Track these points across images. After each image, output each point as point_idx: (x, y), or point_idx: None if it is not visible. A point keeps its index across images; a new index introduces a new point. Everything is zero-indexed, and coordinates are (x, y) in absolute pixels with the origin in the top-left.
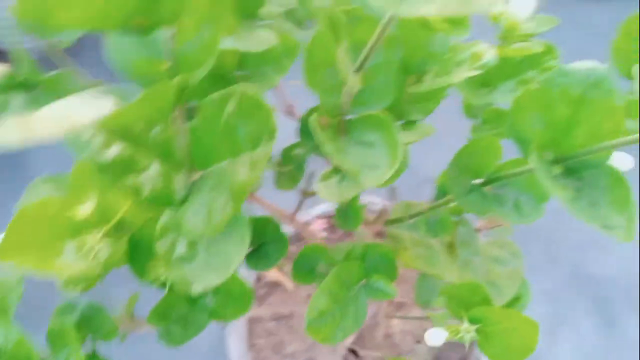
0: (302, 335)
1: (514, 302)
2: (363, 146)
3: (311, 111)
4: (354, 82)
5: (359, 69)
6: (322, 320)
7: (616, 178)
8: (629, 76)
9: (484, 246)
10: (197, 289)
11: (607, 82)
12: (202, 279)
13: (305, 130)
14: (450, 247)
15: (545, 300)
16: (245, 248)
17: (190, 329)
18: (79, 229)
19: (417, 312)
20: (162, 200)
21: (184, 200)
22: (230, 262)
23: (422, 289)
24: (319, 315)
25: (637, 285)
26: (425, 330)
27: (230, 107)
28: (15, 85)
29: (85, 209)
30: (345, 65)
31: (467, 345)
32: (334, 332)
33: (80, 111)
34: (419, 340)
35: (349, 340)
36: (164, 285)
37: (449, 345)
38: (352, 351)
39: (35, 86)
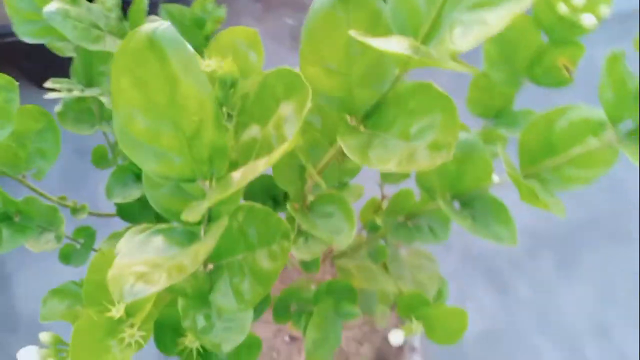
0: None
1: (439, 296)
2: (326, 217)
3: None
4: (318, 179)
5: (320, 171)
6: (315, 346)
7: (498, 204)
8: (480, 116)
9: (406, 258)
10: (226, 348)
11: (479, 145)
12: (229, 341)
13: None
14: (384, 266)
15: (449, 281)
16: (251, 312)
17: None
18: (116, 327)
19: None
20: (202, 294)
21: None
22: (244, 324)
23: (363, 300)
24: (313, 344)
25: (519, 252)
26: (364, 334)
27: (240, 217)
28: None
29: (118, 310)
30: (311, 171)
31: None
32: (324, 353)
33: (131, 259)
34: (361, 342)
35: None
36: (185, 355)
37: (387, 345)
38: None
39: (13, 214)
